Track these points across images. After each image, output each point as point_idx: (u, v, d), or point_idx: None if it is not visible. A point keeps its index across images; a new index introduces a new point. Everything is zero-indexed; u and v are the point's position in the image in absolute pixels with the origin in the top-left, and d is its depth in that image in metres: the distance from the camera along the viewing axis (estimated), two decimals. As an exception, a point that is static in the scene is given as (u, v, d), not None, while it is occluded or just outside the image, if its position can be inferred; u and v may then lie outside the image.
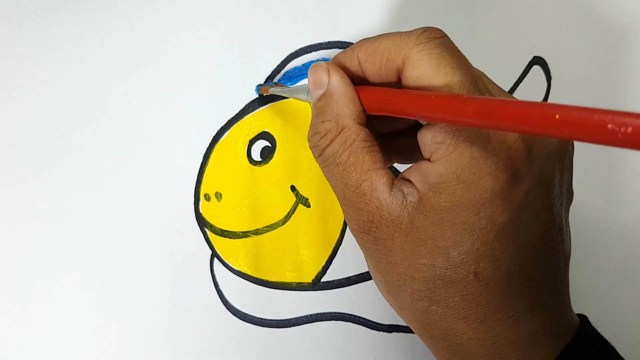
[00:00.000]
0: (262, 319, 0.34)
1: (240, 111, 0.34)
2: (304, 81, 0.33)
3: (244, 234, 0.34)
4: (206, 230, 0.34)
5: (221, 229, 0.34)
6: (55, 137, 0.34)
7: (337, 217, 0.34)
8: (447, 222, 0.21)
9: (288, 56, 0.34)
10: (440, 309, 0.23)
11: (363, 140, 0.23)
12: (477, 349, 0.23)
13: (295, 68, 0.34)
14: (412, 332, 0.34)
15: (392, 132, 0.28)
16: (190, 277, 0.33)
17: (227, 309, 0.33)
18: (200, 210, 0.34)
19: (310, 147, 0.25)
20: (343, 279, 0.34)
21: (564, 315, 0.24)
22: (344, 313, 0.34)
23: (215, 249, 0.34)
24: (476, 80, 0.22)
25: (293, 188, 0.34)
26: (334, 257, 0.34)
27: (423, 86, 0.22)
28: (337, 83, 0.24)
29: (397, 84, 0.24)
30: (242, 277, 0.34)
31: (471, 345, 0.23)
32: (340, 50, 0.34)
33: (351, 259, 0.34)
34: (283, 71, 0.34)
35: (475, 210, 0.21)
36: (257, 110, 0.34)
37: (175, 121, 0.34)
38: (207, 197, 0.34)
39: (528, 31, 0.34)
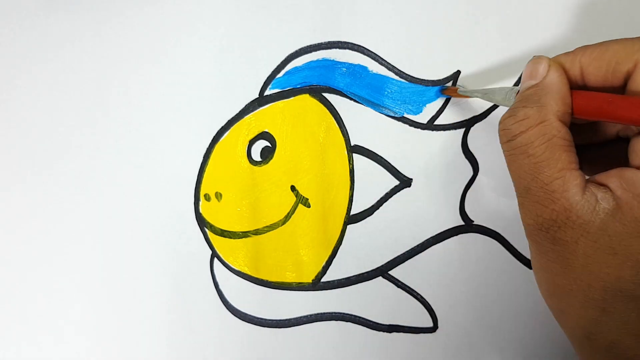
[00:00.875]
0: (262, 319, 0.34)
1: (240, 111, 0.34)
2: (502, 83, 0.31)
3: (244, 234, 0.34)
4: (206, 230, 0.34)
5: (221, 229, 0.34)
6: (55, 137, 0.34)
7: (337, 217, 0.34)
8: None
9: (288, 56, 0.34)
10: (612, 322, 0.22)
11: (563, 138, 0.22)
12: None
13: (296, 68, 0.34)
14: (411, 332, 0.34)
15: (586, 144, 0.27)
16: (190, 277, 0.33)
17: (227, 309, 0.34)
18: (200, 210, 0.34)
19: (500, 130, 0.24)
20: (343, 279, 0.34)
21: None
22: (344, 313, 0.34)
23: (215, 249, 0.34)
24: None
25: (293, 188, 0.34)
26: (334, 257, 0.34)
27: None
28: (555, 78, 0.23)
29: (621, 90, 0.23)
30: (242, 277, 0.34)
31: None
32: (341, 49, 0.34)
33: (351, 259, 0.34)
34: (283, 71, 0.34)
35: None
36: (257, 110, 0.34)
37: (175, 121, 0.34)
38: (207, 197, 0.34)
39: (528, 31, 0.34)
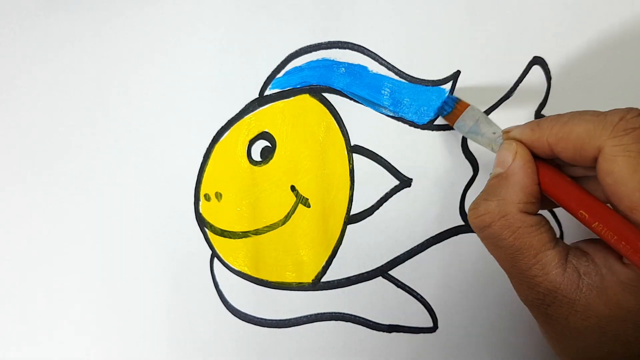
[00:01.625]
0: (262, 319, 0.34)
1: (240, 111, 0.34)
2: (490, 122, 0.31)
3: (244, 234, 0.34)
4: (206, 230, 0.34)
5: (221, 229, 0.34)
6: (55, 137, 0.34)
7: (337, 217, 0.34)
8: (630, 321, 0.21)
9: (288, 56, 0.34)
10: None
11: (529, 226, 0.23)
12: None
13: (296, 68, 0.34)
14: (411, 332, 0.34)
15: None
16: (190, 277, 0.33)
17: (227, 309, 0.34)
18: (200, 210, 0.34)
19: (469, 221, 0.25)
20: (343, 279, 0.34)
21: None
22: (343, 313, 0.34)
23: (215, 249, 0.34)
24: None
25: (293, 188, 0.34)
26: (334, 257, 0.34)
27: (616, 186, 0.21)
28: (518, 169, 0.24)
29: (592, 169, 0.23)
30: (242, 277, 0.34)
31: None
32: (341, 49, 0.34)
33: (351, 259, 0.34)
34: (283, 71, 0.34)
35: None
36: (257, 110, 0.34)
37: (175, 121, 0.34)
38: (207, 197, 0.34)
39: (528, 31, 0.34)
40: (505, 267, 0.24)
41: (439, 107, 0.32)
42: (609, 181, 0.21)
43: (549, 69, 0.34)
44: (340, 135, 0.34)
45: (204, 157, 0.34)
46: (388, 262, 0.34)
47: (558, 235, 0.34)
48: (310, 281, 0.34)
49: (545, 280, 0.22)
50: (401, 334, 0.34)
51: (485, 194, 0.24)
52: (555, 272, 0.22)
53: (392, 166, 0.34)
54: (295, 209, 0.34)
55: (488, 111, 0.34)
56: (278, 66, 0.34)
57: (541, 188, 0.24)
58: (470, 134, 0.30)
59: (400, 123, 0.34)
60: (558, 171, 0.25)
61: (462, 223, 0.34)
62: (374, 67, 0.33)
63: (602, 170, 0.22)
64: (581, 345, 0.22)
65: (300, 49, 0.34)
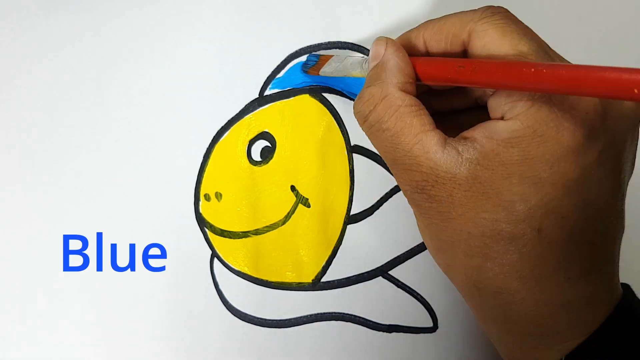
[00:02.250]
0: (262, 319, 0.34)
1: (240, 111, 0.34)
2: (356, 54, 0.32)
3: (244, 234, 0.34)
4: (206, 230, 0.34)
5: (221, 229, 0.34)
6: (55, 137, 0.34)
7: (337, 217, 0.34)
8: (516, 175, 0.21)
9: (288, 56, 0.34)
10: (496, 266, 0.23)
11: (409, 105, 0.23)
12: (528, 310, 0.23)
13: (296, 68, 0.34)
14: (411, 332, 0.34)
15: (449, 110, 0.28)
16: (190, 277, 0.33)
17: (227, 309, 0.34)
18: (200, 210, 0.34)
19: (355, 115, 0.25)
20: (343, 279, 0.34)
21: (613, 283, 0.24)
22: (344, 313, 0.34)
23: (215, 249, 0.34)
24: (545, 48, 0.22)
25: (293, 188, 0.34)
26: (334, 257, 0.34)
27: (489, 55, 0.22)
28: (390, 54, 0.25)
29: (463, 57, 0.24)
30: (242, 277, 0.34)
31: (523, 305, 0.23)
32: (342, 49, 0.34)
33: (351, 259, 0.34)
34: (283, 71, 0.34)
35: (549, 164, 0.21)
36: (257, 110, 0.34)
37: (175, 121, 0.34)
38: (207, 197, 0.34)
39: (528, 31, 0.34)
40: (389, 153, 0.24)
41: (302, 64, 0.33)
42: (482, 53, 0.23)
43: (549, 69, 0.34)
44: (340, 135, 0.34)
45: (204, 157, 0.34)
46: (388, 262, 0.34)
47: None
48: (310, 281, 0.34)
49: (427, 159, 0.23)
50: (401, 334, 0.34)
51: (367, 83, 0.25)
52: (435, 150, 0.22)
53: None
54: (295, 209, 0.34)
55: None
56: (278, 66, 0.34)
57: (417, 72, 0.25)
58: (337, 72, 0.30)
59: (400, 123, 0.33)
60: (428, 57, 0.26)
61: (462, 223, 0.34)
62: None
63: (475, 48, 0.23)
64: (462, 223, 0.23)
65: (300, 49, 0.34)
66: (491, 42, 0.22)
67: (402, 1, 0.34)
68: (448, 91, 0.28)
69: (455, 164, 0.22)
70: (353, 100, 0.33)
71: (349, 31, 0.34)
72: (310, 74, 0.33)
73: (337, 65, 0.30)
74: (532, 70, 0.19)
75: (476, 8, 0.24)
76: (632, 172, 0.25)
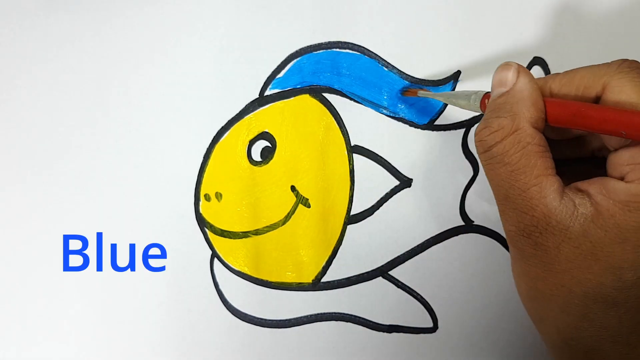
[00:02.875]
0: (262, 319, 0.34)
1: (240, 111, 0.34)
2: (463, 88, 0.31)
3: (244, 234, 0.34)
4: (206, 230, 0.34)
5: (221, 229, 0.34)
6: (55, 137, 0.34)
7: (337, 217, 0.34)
8: (630, 242, 0.21)
9: (288, 56, 0.34)
10: (592, 328, 0.22)
11: (538, 145, 0.23)
12: None
13: (296, 68, 0.34)
14: (411, 332, 0.34)
15: (564, 159, 0.27)
16: (191, 277, 0.33)
17: (227, 309, 0.34)
18: (200, 211, 0.34)
19: (476, 142, 0.24)
20: (343, 279, 0.34)
21: None
22: (343, 313, 0.34)
23: (216, 249, 0.34)
24: None
25: (293, 188, 0.34)
26: (334, 257, 0.34)
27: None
28: (525, 84, 0.23)
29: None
30: (242, 277, 0.34)
31: None
32: (342, 50, 0.34)
33: (351, 259, 0.34)
34: (283, 71, 0.34)
35: None
36: (258, 110, 0.34)
37: (175, 121, 0.34)
38: (207, 197, 0.34)
39: (528, 32, 0.34)
40: (503, 189, 0.23)
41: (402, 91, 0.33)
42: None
43: (549, 69, 0.34)
44: (341, 135, 0.34)
45: (204, 157, 0.34)
46: (388, 262, 0.34)
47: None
48: (310, 281, 0.34)
49: (541, 204, 0.22)
50: (401, 334, 0.34)
51: (495, 112, 0.24)
52: (553, 197, 0.22)
53: (392, 166, 0.34)
54: (295, 209, 0.34)
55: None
56: (278, 66, 0.34)
57: (547, 113, 0.23)
58: (440, 97, 0.30)
59: (400, 123, 0.34)
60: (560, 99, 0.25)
61: (463, 223, 0.34)
62: (374, 67, 0.33)
63: (608, 102, 0.22)
64: (566, 279, 0.22)
65: (301, 49, 0.34)
66: (627, 99, 0.21)
67: (403, 1, 0.34)
68: (566, 141, 0.27)
69: (569, 216, 0.21)
70: (353, 100, 0.33)
71: (349, 31, 0.34)
72: (407, 95, 0.33)
73: (440, 93, 0.30)
74: None
75: (612, 61, 0.23)
76: None
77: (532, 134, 0.23)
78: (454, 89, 0.33)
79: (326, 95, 0.34)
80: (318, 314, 0.34)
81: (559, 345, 0.24)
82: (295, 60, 0.34)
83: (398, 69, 0.33)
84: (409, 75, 0.33)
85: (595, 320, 0.22)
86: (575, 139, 0.27)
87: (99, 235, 0.34)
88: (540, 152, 0.22)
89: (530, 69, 0.34)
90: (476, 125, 0.26)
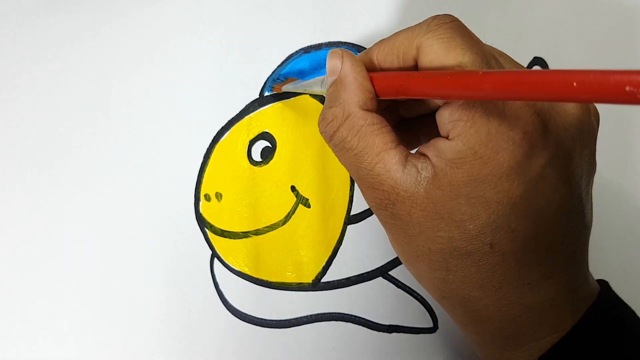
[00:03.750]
0: (262, 319, 0.34)
1: (240, 111, 0.34)
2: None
3: (244, 234, 0.34)
4: (206, 230, 0.34)
5: (221, 229, 0.34)
6: (55, 137, 0.34)
7: (337, 217, 0.34)
8: (463, 196, 0.22)
9: (288, 56, 0.34)
10: (457, 278, 0.24)
11: (371, 124, 0.24)
12: (493, 314, 0.24)
13: (298, 60, 0.34)
14: (411, 332, 0.34)
15: (416, 116, 0.28)
16: (191, 278, 0.33)
17: (227, 309, 0.34)
18: (201, 211, 0.34)
19: (320, 133, 0.26)
20: (343, 279, 0.34)
21: (583, 282, 0.25)
22: (344, 313, 0.34)
23: (216, 249, 0.34)
24: (488, 58, 0.23)
25: (293, 188, 0.34)
26: (334, 257, 0.34)
27: (436, 68, 0.23)
28: (348, 70, 0.24)
29: None
30: (242, 278, 0.34)
31: (488, 311, 0.24)
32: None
33: (351, 259, 0.34)
34: (284, 71, 0.34)
35: (492, 184, 0.22)
36: (258, 110, 0.34)
37: (175, 121, 0.34)
38: (207, 198, 0.34)
39: (528, 32, 0.34)
40: (353, 172, 0.24)
41: (269, 86, 0.34)
42: (431, 68, 0.23)
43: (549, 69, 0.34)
44: (341, 135, 0.34)
45: (204, 158, 0.34)
46: (388, 263, 0.34)
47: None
48: (310, 281, 0.34)
49: (387, 178, 0.23)
50: (401, 334, 0.34)
51: (328, 102, 0.25)
52: (396, 169, 0.23)
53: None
54: (295, 209, 0.34)
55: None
56: (278, 66, 0.34)
57: (374, 85, 0.24)
58: (297, 88, 0.30)
59: (400, 123, 0.34)
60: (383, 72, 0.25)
61: (462, 223, 0.34)
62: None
63: (423, 64, 0.23)
64: (423, 240, 0.23)
65: (300, 49, 0.34)
66: (436, 58, 0.22)
67: (403, 1, 0.34)
68: (412, 99, 0.29)
69: (414, 183, 0.23)
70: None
71: (349, 31, 0.34)
72: (274, 92, 0.33)
73: (298, 82, 0.30)
74: (467, 75, 0.20)
75: (424, 20, 0.24)
76: (594, 171, 0.25)
77: (363, 116, 0.24)
78: None
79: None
80: (318, 314, 0.34)
81: (438, 298, 0.26)
82: (295, 60, 0.34)
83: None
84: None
85: (458, 272, 0.23)
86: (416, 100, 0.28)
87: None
88: (375, 131, 0.23)
89: (530, 69, 0.34)
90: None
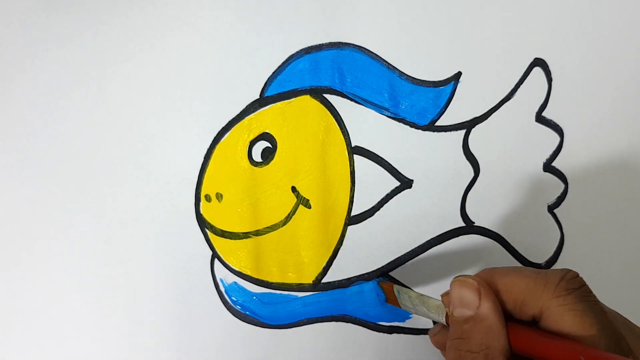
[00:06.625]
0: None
1: (241, 112, 0.34)
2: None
3: (245, 235, 0.34)
4: (207, 231, 0.34)
5: (222, 230, 0.34)
6: (55, 137, 0.34)
7: (338, 218, 0.34)
8: None
9: (288, 57, 0.34)
10: None
11: None
12: None
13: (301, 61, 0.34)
14: (412, 333, 0.34)
15: None
16: (191, 278, 0.33)
17: (228, 309, 0.34)
18: (201, 211, 0.34)
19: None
20: (343, 279, 0.34)
21: None
22: (344, 314, 0.34)
23: (216, 249, 0.34)
24: (619, 338, 0.21)
25: (294, 189, 0.34)
26: (335, 258, 0.34)
27: (565, 336, 0.21)
28: (490, 311, 0.22)
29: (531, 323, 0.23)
30: (243, 278, 0.34)
31: None
32: (343, 51, 0.34)
33: (351, 260, 0.34)
34: (284, 71, 0.34)
35: None
36: (258, 111, 0.34)
37: (175, 121, 0.34)
38: (208, 198, 0.34)
39: (529, 33, 0.34)
40: None
41: (378, 295, 0.33)
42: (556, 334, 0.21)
43: (549, 70, 0.34)
44: (341, 136, 0.34)
45: (204, 158, 0.34)
46: (389, 263, 0.34)
47: (558, 238, 0.34)
48: (310, 282, 0.34)
49: None
50: (401, 335, 0.34)
51: (466, 343, 0.23)
52: None
53: (393, 167, 0.34)
54: (295, 210, 0.34)
55: (489, 112, 0.34)
56: (278, 67, 0.34)
57: (510, 340, 0.23)
58: (416, 310, 0.29)
59: (401, 124, 0.34)
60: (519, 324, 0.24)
61: (463, 224, 0.34)
62: (375, 68, 0.33)
63: (548, 326, 0.22)
64: None
65: (301, 50, 0.34)
66: (565, 328, 0.21)
67: (403, 1, 0.34)
68: None
69: None
70: (354, 101, 0.33)
71: (349, 32, 0.34)
72: (384, 288, 0.32)
73: (415, 303, 0.28)
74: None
75: (545, 270, 0.22)
76: None
77: None
78: (454, 90, 0.33)
79: (327, 96, 0.34)
80: (318, 314, 0.34)
81: None
82: (296, 61, 0.34)
83: (399, 70, 0.33)
84: (410, 76, 0.33)
85: None
86: None
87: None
88: None
89: (530, 70, 0.34)
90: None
